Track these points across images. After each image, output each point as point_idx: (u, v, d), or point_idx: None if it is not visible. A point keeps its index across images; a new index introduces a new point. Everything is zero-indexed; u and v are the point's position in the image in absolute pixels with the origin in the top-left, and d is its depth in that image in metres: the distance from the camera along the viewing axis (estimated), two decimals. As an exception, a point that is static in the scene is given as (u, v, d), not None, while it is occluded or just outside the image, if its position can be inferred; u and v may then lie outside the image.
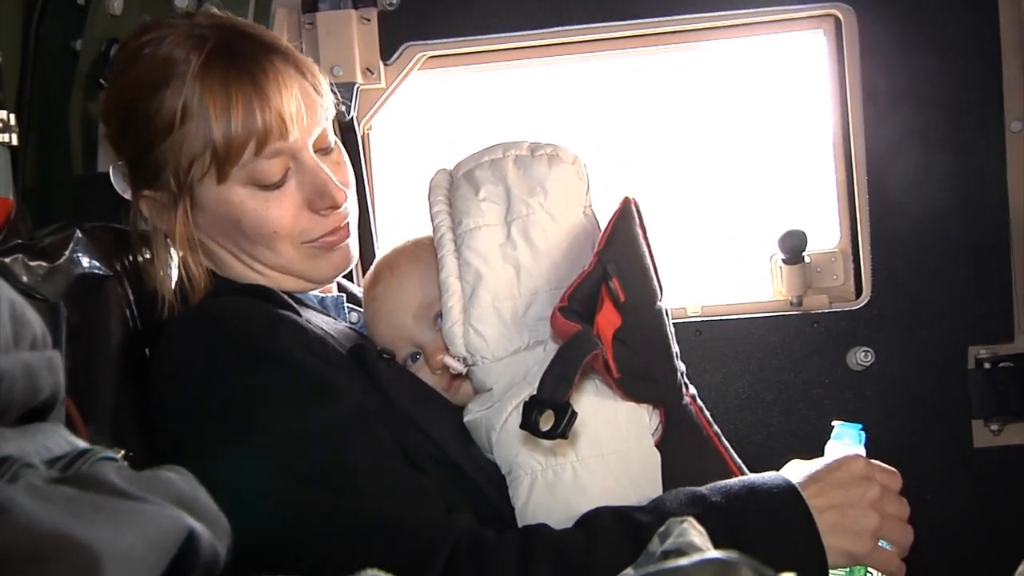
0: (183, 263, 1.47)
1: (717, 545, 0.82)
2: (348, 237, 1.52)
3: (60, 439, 0.66)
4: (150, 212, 1.48)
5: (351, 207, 1.52)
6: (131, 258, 1.52)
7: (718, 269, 2.55)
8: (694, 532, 0.80)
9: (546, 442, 1.23)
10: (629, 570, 0.83)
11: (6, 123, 1.23)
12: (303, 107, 1.43)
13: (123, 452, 1.20)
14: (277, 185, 1.43)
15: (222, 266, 1.50)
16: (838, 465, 1.32)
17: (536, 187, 1.38)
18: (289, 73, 1.43)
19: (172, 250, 1.50)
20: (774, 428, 2.36)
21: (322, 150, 1.49)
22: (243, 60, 1.40)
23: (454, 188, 1.43)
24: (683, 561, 0.59)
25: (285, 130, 1.40)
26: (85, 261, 1.40)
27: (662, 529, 0.84)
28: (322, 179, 1.45)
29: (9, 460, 0.54)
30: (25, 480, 0.53)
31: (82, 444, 0.67)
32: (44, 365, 0.62)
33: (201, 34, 1.42)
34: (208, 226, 1.47)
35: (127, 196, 1.52)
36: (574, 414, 1.14)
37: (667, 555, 0.77)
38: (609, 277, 1.29)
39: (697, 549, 0.77)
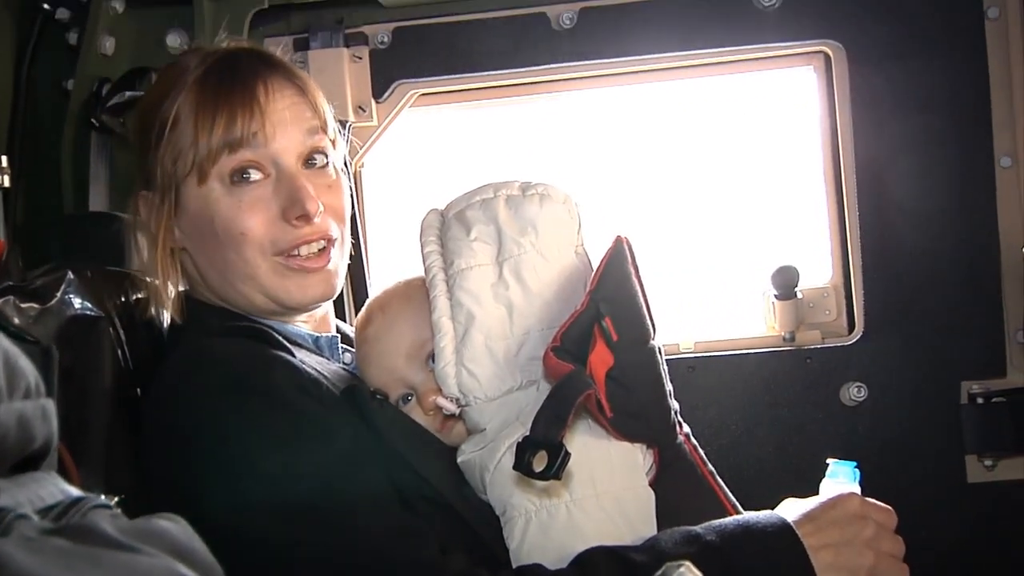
0: (159, 263, 1.49)
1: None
2: (327, 264, 1.50)
3: (53, 487, 0.65)
4: (144, 211, 1.51)
5: (337, 236, 1.51)
6: (123, 299, 1.51)
7: (711, 305, 2.55)
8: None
9: (540, 483, 1.23)
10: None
11: (-2, 164, 1.23)
12: (291, 118, 1.46)
13: (116, 499, 1.19)
14: (253, 187, 1.44)
15: (200, 276, 1.51)
16: (833, 504, 1.32)
17: (527, 227, 1.38)
18: (284, 87, 1.47)
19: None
20: (767, 464, 2.35)
21: (309, 164, 1.49)
22: (240, 71, 1.46)
23: (445, 228, 1.43)
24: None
25: (267, 136, 1.43)
26: (77, 302, 1.39)
27: (659, 573, 0.83)
28: (297, 187, 1.45)
29: (2, 512, 0.53)
30: (18, 532, 0.52)
31: (75, 492, 0.66)
32: (38, 414, 0.62)
33: (211, 52, 1.49)
34: (188, 227, 1.48)
35: None
36: (567, 454, 1.14)
37: (666, 599, 0.77)
38: (602, 316, 1.30)
39: (695, 593, 0.76)
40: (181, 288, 1.62)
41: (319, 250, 1.48)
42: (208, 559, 0.65)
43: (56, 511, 0.61)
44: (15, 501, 0.58)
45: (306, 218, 1.45)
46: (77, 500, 0.63)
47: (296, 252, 1.47)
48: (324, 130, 1.51)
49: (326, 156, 1.51)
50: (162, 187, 1.46)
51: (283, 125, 1.44)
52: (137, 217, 1.52)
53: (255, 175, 1.44)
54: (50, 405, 0.65)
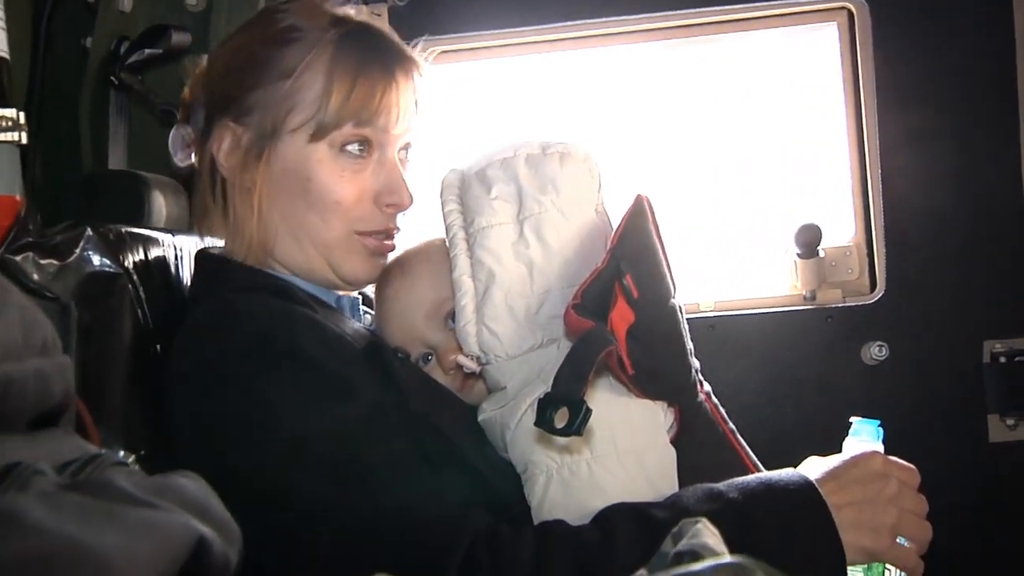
0: (236, 196, 1.49)
1: (734, 542, 0.81)
2: (389, 252, 1.53)
3: (71, 444, 0.66)
4: (228, 143, 1.48)
5: (402, 225, 1.54)
6: (143, 256, 1.51)
7: (732, 264, 2.53)
8: (708, 533, 0.79)
9: (561, 440, 1.22)
10: (642, 571, 0.82)
11: (15, 121, 1.22)
12: (410, 110, 1.49)
13: (134, 456, 1.20)
14: (357, 161, 1.45)
15: (268, 229, 1.49)
16: (855, 462, 1.30)
17: (548, 185, 1.37)
18: (411, 77, 1.49)
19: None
20: (787, 424, 2.35)
21: (402, 159, 1.52)
22: (379, 48, 1.47)
23: (465, 187, 1.42)
24: (696, 567, 0.58)
25: (391, 122, 1.45)
26: (96, 259, 1.39)
27: (675, 530, 0.83)
28: (398, 176, 1.48)
29: (19, 467, 0.53)
30: (35, 487, 0.52)
31: (93, 449, 0.66)
32: (55, 371, 0.62)
33: (342, 19, 1.49)
34: (277, 178, 1.46)
35: (178, 159, 1.57)
36: (589, 411, 1.13)
37: (680, 557, 0.76)
38: (622, 274, 1.28)
39: (711, 551, 0.76)
40: (208, 243, 1.63)
41: (388, 238, 1.51)
42: (224, 515, 0.65)
43: (73, 467, 0.61)
44: (33, 457, 0.58)
45: (397, 208, 1.48)
46: (94, 457, 0.63)
47: (373, 235, 1.49)
48: (420, 126, 1.54)
49: (411, 148, 1.54)
50: (259, 128, 1.45)
51: (404, 115, 1.47)
52: (220, 145, 1.49)
53: (362, 151, 1.45)
54: (67, 362, 0.65)
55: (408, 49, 1.53)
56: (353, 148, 1.44)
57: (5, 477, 0.53)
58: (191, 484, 0.65)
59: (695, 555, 0.74)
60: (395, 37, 1.53)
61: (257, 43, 1.47)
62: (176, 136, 1.56)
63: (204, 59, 1.57)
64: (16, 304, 0.60)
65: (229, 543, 0.62)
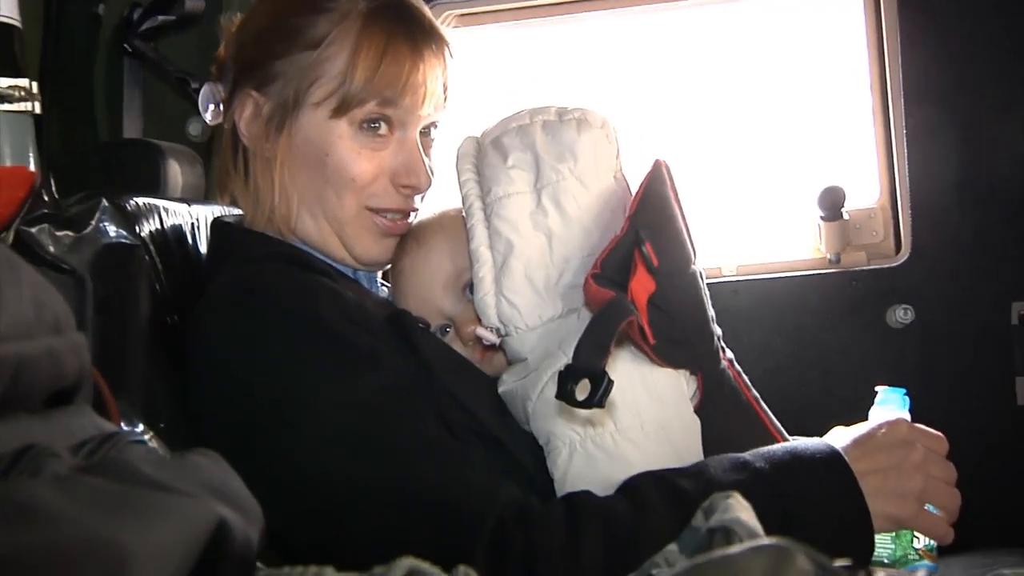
0: (258, 166, 1.48)
1: (761, 513, 0.80)
2: (400, 233, 1.51)
3: (86, 422, 0.64)
4: (249, 111, 1.48)
5: (420, 206, 1.52)
6: (159, 226, 1.50)
7: (754, 227, 2.50)
8: (740, 508, 0.78)
9: (583, 411, 1.21)
10: (673, 546, 0.81)
11: (28, 91, 1.21)
12: (439, 90, 1.47)
13: (152, 432, 1.19)
14: (377, 139, 1.43)
15: (288, 202, 1.48)
16: (880, 429, 1.29)
17: (565, 152, 1.35)
18: (440, 56, 1.47)
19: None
20: (812, 388, 2.33)
21: (426, 137, 1.51)
22: (409, 24, 1.43)
23: (481, 155, 1.40)
24: (735, 549, 0.56)
25: (417, 102, 1.43)
26: (112, 230, 1.38)
27: (706, 504, 0.81)
28: (417, 158, 1.46)
29: (32, 450, 0.52)
30: (49, 471, 0.51)
31: (108, 427, 0.65)
32: (68, 349, 0.60)
33: None
34: (297, 151, 1.45)
35: (207, 116, 1.56)
36: (610, 382, 1.11)
37: (712, 533, 0.75)
38: (642, 242, 1.27)
39: (744, 526, 0.74)
40: (225, 211, 1.62)
41: (402, 218, 1.50)
42: (244, 495, 0.63)
43: (88, 447, 0.59)
44: (47, 438, 0.56)
45: (414, 189, 1.47)
46: (111, 435, 0.62)
47: (386, 215, 1.47)
48: (446, 106, 1.51)
49: (436, 128, 1.53)
50: (281, 99, 1.44)
51: (430, 97, 1.44)
52: (242, 113, 1.48)
53: (383, 129, 1.44)
54: (81, 339, 0.63)
55: (440, 27, 1.50)
56: (374, 126, 1.43)
57: (18, 461, 0.51)
58: (209, 463, 0.64)
59: (728, 531, 0.72)
60: (428, 13, 1.50)
61: (289, 9, 1.45)
62: (207, 92, 1.55)
63: (238, 17, 1.55)
64: (27, 281, 0.58)
65: (250, 523, 0.61)
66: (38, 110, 1.24)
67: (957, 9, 2.25)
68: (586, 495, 1.23)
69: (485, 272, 1.33)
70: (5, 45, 1.21)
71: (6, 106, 1.19)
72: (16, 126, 1.21)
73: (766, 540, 0.59)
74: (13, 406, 0.56)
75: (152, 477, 0.55)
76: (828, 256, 2.34)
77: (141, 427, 1.24)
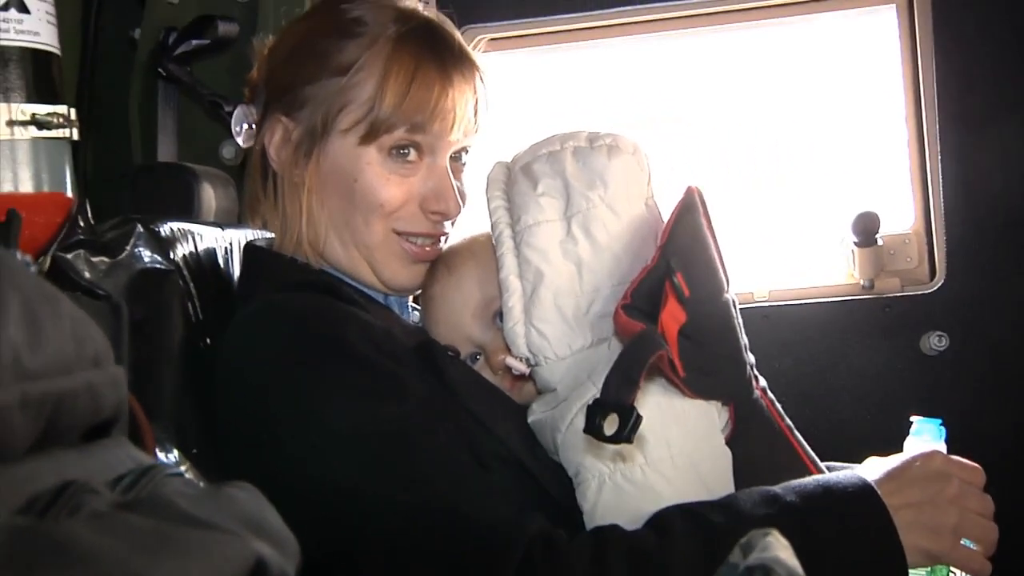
0: (284, 191, 1.49)
1: (793, 547, 0.79)
2: (430, 259, 1.51)
3: (123, 454, 0.64)
4: (279, 136, 1.48)
5: (451, 231, 1.53)
6: (192, 250, 1.51)
7: (787, 252, 2.49)
8: (779, 546, 0.77)
9: (611, 446, 1.20)
10: (710, 583, 0.79)
11: (66, 117, 1.22)
12: (470, 116, 1.46)
13: (188, 464, 1.19)
14: (406, 166, 1.44)
15: (317, 229, 1.48)
16: (915, 461, 1.27)
17: (596, 180, 1.34)
18: (470, 81, 1.46)
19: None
20: (845, 415, 2.31)
21: (457, 163, 1.51)
22: (439, 49, 1.44)
23: (511, 182, 1.40)
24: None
25: (446, 128, 1.43)
26: (147, 255, 1.39)
27: (744, 540, 0.80)
28: (447, 184, 1.46)
29: (71, 488, 0.52)
30: (88, 509, 0.51)
31: (146, 460, 0.65)
32: (107, 383, 0.60)
33: (406, 15, 1.46)
34: (326, 177, 1.46)
35: (240, 139, 1.56)
36: (639, 417, 1.10)
37: (751, 572, 0.74)
38: (673, 272, 1.25)
39: (783, 566, 0.73)
40: (257, 237, 1.62)
41: (431, 244, 1.50)
42: (281, 529, 0.63)
43: (127, 481, 0.59)
44: (85, 473, 0.56)
45: (443, 215, 1.47)
46: (148, 469, 0.61)
47: (415, 239, 1.48)
48: (478, 131, 1.51)
49: (468, 153, 1.53)
50: (310, 125, 1.44)
51: (459, 122, 1.44)
52: (272, 137, 1.49)
53: (412, 155, 1.44)
54: (120, 372, 0.63)
55: (471, 51, 1.50)
56: (404, 152, 1.43)
57: (57, 498, 0.51)
58: (246, 496, 0.63)
59: (767, 570, 0.71)
60: (458, 36, 1.50)
61: (319, 33, 1.46)
62: (239, 115, 1.56)
63: (271, 39, 1.56)
64: (68, 315, 0.58)
65: (287, 558, 0.60)
66: (75, 136, 1.25)
67: (992, 33, 2.24)
68: (613, 529, 1.22)
69: (515, 302, 1.33)
70: (44, 72, 1.22)
71: (45, 133, 1.20)
72: (54, 152, 1.22)
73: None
74: (52, 442, 0.56)
75: (190, 513, 0.54)
76: (861, 282, 2.33)
77: (175, 452, 1.25)
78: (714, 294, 1.31)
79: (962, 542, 1.23)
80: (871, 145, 2.45)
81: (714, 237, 1.35)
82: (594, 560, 1.15)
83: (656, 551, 1.16)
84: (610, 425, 1.10)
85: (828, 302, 2.33)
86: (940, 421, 1.36)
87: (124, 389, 0.64)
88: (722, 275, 1.34)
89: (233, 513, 0.58)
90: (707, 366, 1.28)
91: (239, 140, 1.56)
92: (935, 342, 2.27)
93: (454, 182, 1.47)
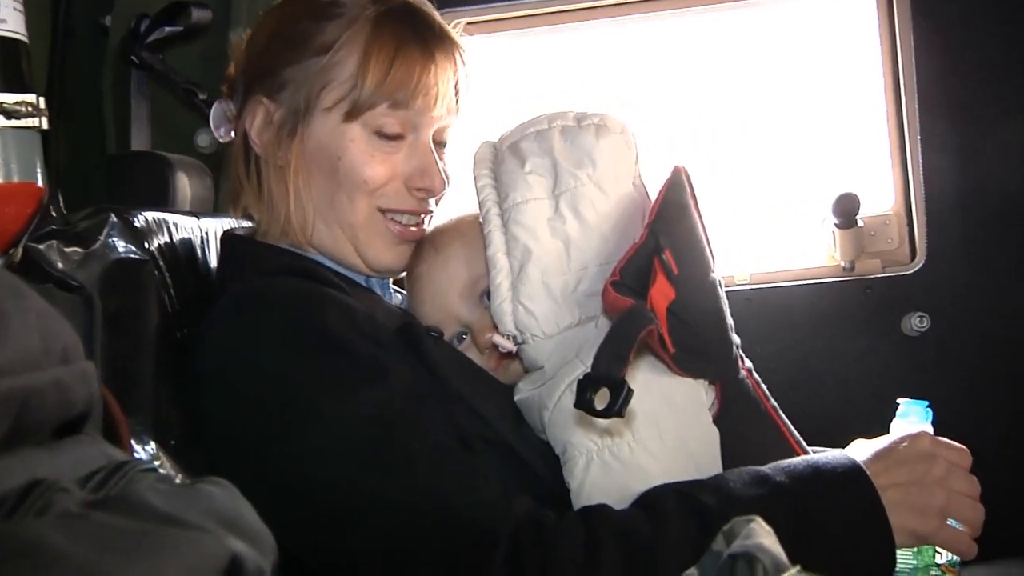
0: (271, 174, 1.47)
1: (783, 528, 0.78)
2: (414, 240, 1.50)
3: (95, 451, 0.63)
4: (260, 119, 1.47)
5: (434, 210, 1.52)
6: (168, 239, 1.48)
7: (767, 234, 2.49)
8: (762, 533, 0.76)
9: (601, 421, 1.20)
10: (693, 571, 0.79)
11: (35, 106, 1.19)
12: (451, 94, 1.46)
13: (162, 458, 1.17)
14: (390, 143, 1.43)
15: (304, 211, 1.47)
16: (902, 442, 1.27)
17: (584, 158, 1.34)
18: (451, 59, 1.46)
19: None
20: (828, 397, 2.31)
21: (439, 142, 1.50)
22: (419, 28, 1.43)
23: (499, 161, 1.39)
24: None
25: (429, 104, 1.42)
26: (120, 245, 1.36)
27: (727, 528, 0.79)
28: (431, 161, 1.45)
29: (40, 486, 0.50)
30: (57, 508, 0.49)
31: (118, 456, 0.63)
32: (76, 379, 0.59)
33: None
34: (310, 157, 1.44)
35: (219, 134, 1.56)
36: (630, 391, 1.09)
37: (734, 559, 0.73)
38: (661, 249, 1.25)
39: (766, 552, 0.72)
40: (235, 224, 1.60)
41: (416, 223, 1.49)
42: (257, 525, 0.62)
43: (98, 478, 0.58)
44: (54, 471, 0.55)
45: (428, 192, 1.47)
46: (120, 465, 0.60)
47: (399, 218, 1.47)
48: (460, 107, 1.51)
49: (448, 133, 1.52)
50: (292, 105, 1.43)
51: (442, 98, 1.44)
52: (253, 121, 1.47)
53: (400, 136, 1.44)
54: (90, 367, 0.61)
55: (451, 30, 1.49)
56: (387, 129, 1.42)
57: (25, 498, 0.49)
58: (221, 493, 0.62)
59: (750, 557, 0.71)
60: (437, 16, 1.49)
61: (298, 16, 1.45)
62: (218, 110, 1.55)
63: (248, 33, 1.54)
64: (34, 309, 0.56)
65: (263, 555, 0.59)
66: (45, 125, 1.22)
67: (971, 15, 2.24)
68: (602, 509, 1.21)
69: (502, 279, 1.32)
70: (12, 60, 1.19)
71: (13, 122, 1.17)
72: (23, 142, 1.19)
73: (791, 570, 0.58)
74: (20, 440, 0.54)
75: (163, 511, 0.53)
76: (842, 264, 2.33)
77: (152, 445, 1.23)
78: (702, 273, 1.31)
79: (949, 522, 1.23)
80: (850, 126, 2.45)
81: (700, 217, 1.35)
82: (585, 542, 1.15)
83: (647, 532, 1.15)
84: (601, 399, 1.09)
85: (809, 284, 2.33)
86: (927, 403, 1.36)
87: (95, 384, 0.63)
88: (709, 254, 1.34)
89: (208, 510, 0.57)
90: (695, 344, 1.28)
91: (218, 135, 1.55)
92: (916, 323, 2.27)
93: (438, 160, 1.46)
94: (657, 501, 1.20)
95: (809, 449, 1.38)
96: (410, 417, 1.23)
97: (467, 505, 1.17)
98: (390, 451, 1.20)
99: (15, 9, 1.20)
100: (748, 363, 1.39)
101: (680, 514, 1.17)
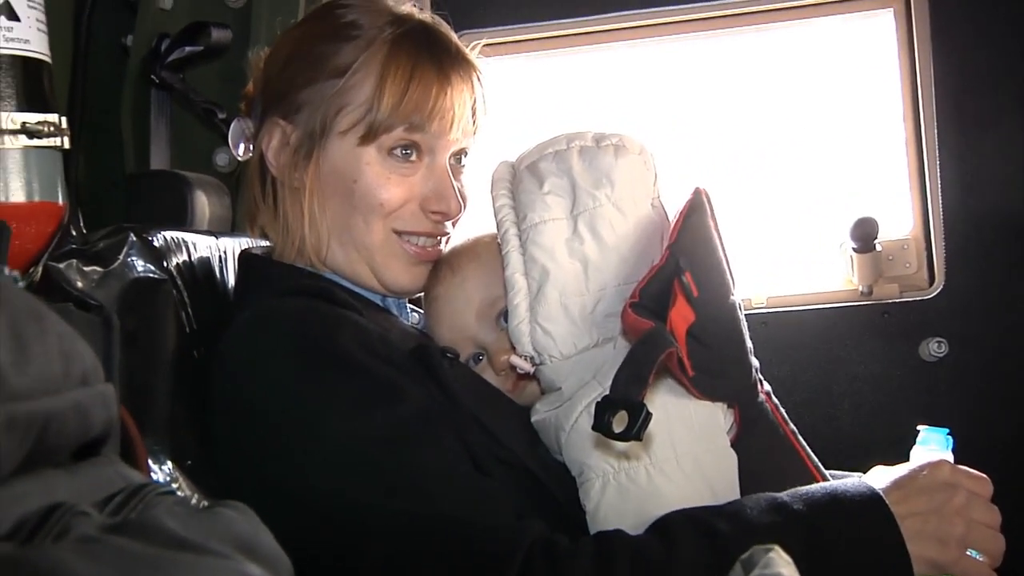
0: (286, 195, 1.48)
1: (800, 556, 0.77)
2: (431, 260, 1.50)
3: (113, 473, 0.62)
4: (276, 140, 1.47)
5: (451, 232, 1.52)
6: (186, 258, 1.49)
7: (785, 258, 2.48)
8: (781, 563, 0.75)
9: (619, 444, 1.19)
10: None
11: (57, 126, 1.20)
12: (468, 116, 1.46)
13: (180, 481, 1.17)
14: (406, 165, 1.43)
15: (319, 233, 1.47)
16: (922, 471, 1.26)
17: (602, 179, 1.33)
18: (468, 81, 1.47)
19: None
20: (844, 422, 2.30)
21: (456, 164, 1.50)
22: (436, 50, 1.43)
23: (517, 181, 1.39)
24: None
25: (445, 127, 1.42)
26: (139, 265, 1.37)
27: (746, 556, 0.79)
28: (447, 184, 1.45)
29: (59, 510, 0.50)
30: (76, 533, 0.49)
31: (136, 478, 0.63)
32: (96, 401, 0.59)
33: (402, 18, 1.46)
34: (326, 180, 1.45)
35: (237, 153, 1.56)
36: (649, 415, 1.08)
37: (753, 587, 0.72)
38: (682, 271, 1.24)
39: (786, 584, 0.72)
40: (252, 243, 1.61)
41: (433, 244, 1.49)
42: (274, 549, 0.61)
43: (116, 502, 0.57)
44: (73, 494, 0.54)
45: (444, 215, 1.46)
46: (138, 489, 0.60)
47: (415, 240, 1.47)
48: (477, 132, 1.51)
49: (467, 155, 1.52)
50: (308, 127, 1.43)
51: (458, 121, 1.44)
52: (269, 142, 1.48)
53: (412, 155, 1.44)
54: (109, 390, 0.61)
55: (468, 52, 1.49)
56: (403, 152, 1.42)
57: (45, 521, 0.49)
58: (239, 517, 0.62)
59: (769, 587, 0.70)
60: (455, 38, 1.49)
61: (315, 38, 1.46)
62: (237, 128, 1.55)
63: (266, 51, 1.55)
64: (55, 332, 0.56)
65: (281, 581, 0.59)
66: (67, 145, 1.22)
67: (990, 39, 2.23)
68: (616, 535, 1.20)
69: (520, 300, 1.32)
70: (35, 80, 1.19)
71: (35, 142, 1.18)
72: (45, 161, 1.20)
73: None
74: (39, 462, 0.54)
75: (181, 536, 0.53)
76: (860, 288, 2.31)
77: (169, 465, 1.23)
78: (722, 295, 1.31)
79: (968, 553, 1.21)
80: (869, 150, 2.44)
81: (720, 239, 1.35)
82: (597, 567, 1.14)
83: (660, 558, 1.14)
84: (619, 422, 1.09)
85: (827, 308, 2.32)
86: (948, 431, 1.35)
87: (114, 407, 0.62)
88: (729, 277, 1.34)
89: (225, 535, 0.57)
90: (714, 367, 1.27)
91: (237, 154, 1.56)
92: (934, 348, 2.26)
93: (454, 182, 1.46)
94: (671, 527, 1.18)
95: (828, 474, 1.37)
96: (424, 439, 1.23)
97: (479, 528, 1.17)
98: (403, 473, 1.20)
99: (39, 30, 1.21)
100: (767, 387, 1.38)
101: (694, 540, 1.15)
